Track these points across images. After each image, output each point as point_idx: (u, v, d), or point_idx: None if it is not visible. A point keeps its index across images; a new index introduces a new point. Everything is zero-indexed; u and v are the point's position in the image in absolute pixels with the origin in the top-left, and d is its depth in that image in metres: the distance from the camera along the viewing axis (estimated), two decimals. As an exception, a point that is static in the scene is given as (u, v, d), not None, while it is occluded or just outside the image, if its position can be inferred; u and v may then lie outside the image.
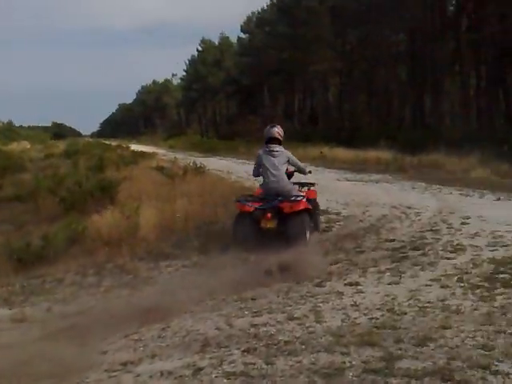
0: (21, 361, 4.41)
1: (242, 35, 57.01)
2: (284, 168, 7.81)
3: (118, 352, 4.47)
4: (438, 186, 14.17)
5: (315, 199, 8.50)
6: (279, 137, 7.86)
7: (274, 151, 7.75)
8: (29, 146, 41.99)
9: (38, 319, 5.67)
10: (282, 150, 7.81)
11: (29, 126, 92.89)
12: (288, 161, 7.86)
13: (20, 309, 6.03)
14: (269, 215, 7.38)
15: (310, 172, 8.52)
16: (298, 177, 8.53)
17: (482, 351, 3.95)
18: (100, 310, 5.85)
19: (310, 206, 7.80)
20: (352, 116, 41.64)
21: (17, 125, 75.79)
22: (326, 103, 46.60)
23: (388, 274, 6.26)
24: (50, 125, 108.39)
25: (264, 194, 7.74)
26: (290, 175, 8.00)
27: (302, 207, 7.49)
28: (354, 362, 3.85)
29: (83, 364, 4.28)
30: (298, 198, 7.52)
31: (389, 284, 5.85)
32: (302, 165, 8.25)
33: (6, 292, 6.83)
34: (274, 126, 8.09)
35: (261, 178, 7.96)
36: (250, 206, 7.44)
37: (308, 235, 7.53)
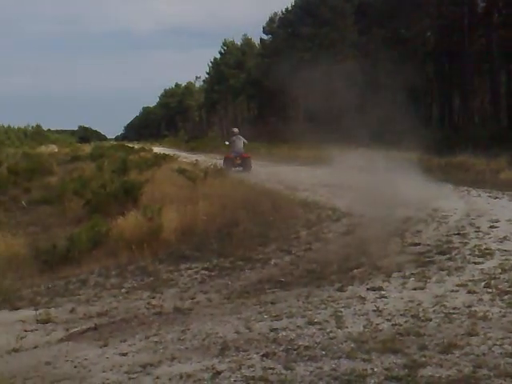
0: (44, 361, 4.45)
1: (265, 36, 56.99)
2: (242, 143, 20.52)
3: (138, 354, 4.47)
4: (465, 188, 13.93)
5: (249, 156, 20.82)
6: (239, 131, 21.58)
7: (239, 136, 20.89)
8: (56, 150, 42.48)
9: (62, 320, 5.70)
10: (240, 136, 20.79)
11: (56, 130, 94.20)
12: (243, 140, 20.58)
13: (45, 309, 6.05)
14: (238, 158, 20.09)
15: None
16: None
17: (510, 359, 3.84)
18: (121, 312, 5.88)
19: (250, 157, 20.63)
20: (376, 115, 41.19)
21: (45, 129, 76.99)
22: (349, 103, 46.21)
23: (413, 278, 6.14)
24: (76, 128, 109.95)
25: (234, 152, 20.35)
26: (244, 144, 20.75)
27: (249, 156, 20.58)
28: (375, 369, 3.79)
29: (104, 365, 4.29)
30: (247, 153, 20.59)
31: (413, 289, 5.73)
32: (246, 142, 20.98)
33: (32, 293, 6.87)
34: (236, 127, 23.42)
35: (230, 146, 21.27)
36: (232, 155, 20.36)
37: (252, 167, 20.10)
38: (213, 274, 7.24)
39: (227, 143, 21.69)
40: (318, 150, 24.01)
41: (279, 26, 51.84)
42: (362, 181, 16.65)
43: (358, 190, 13.86)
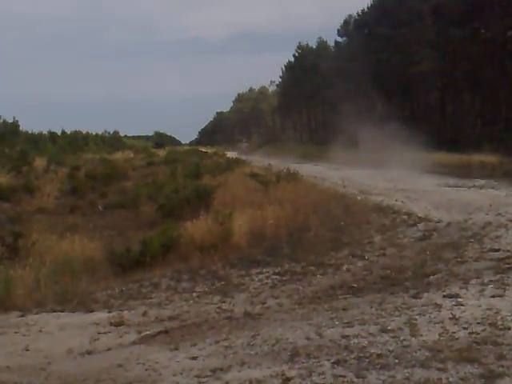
0: (116, 364, 4.55)
1: (339, 39, 56.51)
2: (244, 145, 71.93)
3: (208, 358, 4.49)
4: (550, 193, 13.18)
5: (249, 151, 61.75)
6: (245, 139, 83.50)
7: (243, 143, 76.55)
8: (132, 155, 43.80)
9: (134, 323, 5.82)
10: (244, 143, 76.94)
11: (133, 136, 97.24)
12: (245, 144, 74.86)
13: (118, 312, 6.22)
14: (243, 152, 55.89)
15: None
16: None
17: None
18: (192, 316, 5.93)
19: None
20: (454, 118, 39.83)
21: (122, 135, 79.63)
22: (426, 105, 45.03)
23: (491, 286, 5.88)
24: (152, 134, 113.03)
25: (241, 149, 64.21)
26: (246, 146, 72.39)
27: (249, 151, 61.64)
28: (451, 379, 3.67)
29: (174, 369, 4.33)
30: (248, 150, 64.10)
31: (492, 297, 5.49)
32: (247, 145, 74.97)
33: (106, 295, 7.09)
34: (245, 139, 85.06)
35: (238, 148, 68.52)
36: (240, 152, 53.07)
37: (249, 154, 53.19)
38: (284, 278, 7.21)
39: (238, 145, 55.26)
40: (394, 154, 23.51)
41: (355, 28, 51.27)
42: (439, 184, 16.13)
43: (436, 194, 13.45)
